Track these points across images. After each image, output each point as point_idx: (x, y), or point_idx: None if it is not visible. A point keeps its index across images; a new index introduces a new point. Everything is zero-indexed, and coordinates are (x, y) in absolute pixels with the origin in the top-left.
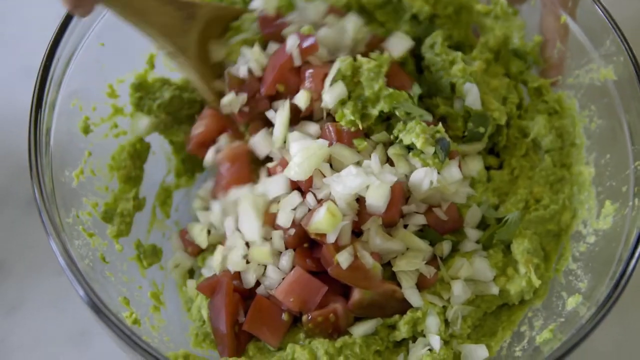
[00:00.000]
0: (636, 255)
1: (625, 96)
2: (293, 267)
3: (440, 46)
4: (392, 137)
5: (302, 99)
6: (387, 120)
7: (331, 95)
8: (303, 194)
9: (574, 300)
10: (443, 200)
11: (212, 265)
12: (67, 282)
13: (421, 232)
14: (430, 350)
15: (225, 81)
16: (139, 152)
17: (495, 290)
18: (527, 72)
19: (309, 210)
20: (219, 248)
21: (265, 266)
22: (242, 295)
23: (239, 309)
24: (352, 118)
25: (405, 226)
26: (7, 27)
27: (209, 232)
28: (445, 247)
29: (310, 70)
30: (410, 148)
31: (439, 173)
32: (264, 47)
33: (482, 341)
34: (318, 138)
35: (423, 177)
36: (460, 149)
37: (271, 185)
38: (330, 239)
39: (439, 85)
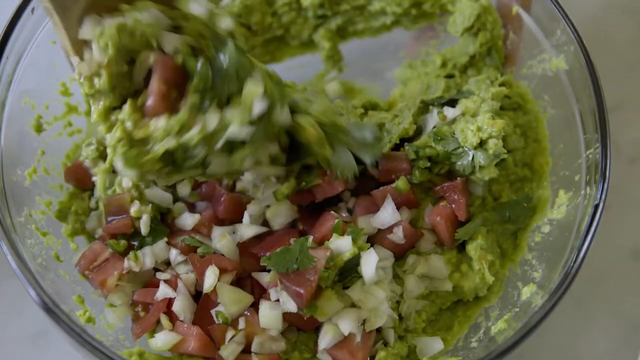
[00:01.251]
0: (586, 243)
1: (577, 85)
2: None
3: None
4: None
5: None
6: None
7: None
8: None
9: (528, 289)
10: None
11: None
12: None
13: None
14: (385, 344)
15: None
16: None
17: (449, 286)
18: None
19: None
20: None
21: None
22: None
23: None
24: None
25: None
26: None
27: None
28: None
29: None
30: None
31: None
32: None
33: (437, 334)
34: None
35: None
36: None
37: None
38: None
39: None
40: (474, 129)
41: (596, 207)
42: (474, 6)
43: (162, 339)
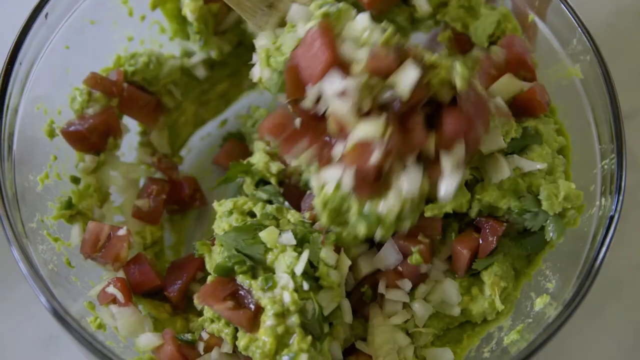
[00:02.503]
0: (601, 254)
1: (592, 95)
2: None
3: None
4: None
5: None
6: None
7: None
8: None
9: (541, 300)
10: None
11: None
12: None
13: None
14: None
15: None
16: None
17: (456, 312)
18: None
19: None
20: None
21: None
22: None
23: None
24: None
25: None
26: None
27: None
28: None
29: None
30: None
31: None
32: None
33: (447, 347)
34: None
35: None
36: None
37: None
38: None
39: None
40: (559, 196)
41: (611, 218)
42: (493, 14)
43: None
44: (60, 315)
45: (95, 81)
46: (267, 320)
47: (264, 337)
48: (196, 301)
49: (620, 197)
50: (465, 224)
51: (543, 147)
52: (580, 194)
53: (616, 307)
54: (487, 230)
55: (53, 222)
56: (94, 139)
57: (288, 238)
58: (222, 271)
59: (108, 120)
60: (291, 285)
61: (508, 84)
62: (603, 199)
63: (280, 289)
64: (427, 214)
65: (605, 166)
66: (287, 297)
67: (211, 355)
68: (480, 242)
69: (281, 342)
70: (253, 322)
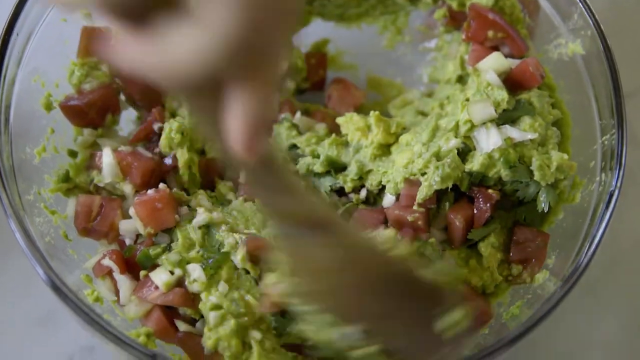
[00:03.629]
0: (600, 230)
1: (593, 71)
2: None
3: None
4: None
5: None
6: None
7: None
8: None
9: (541, 276)
10: None
11: None
12: None
13: None
14: None
15: None
16: None
17: None
18: None
19: None
20: None
21: None
22: None
23: None
24: None
25: None
26: None
27: None
28: None
29: None
30: None
31: None
32: None
33: None
34: None
35: None
36: None
37: None
38: None
39: None
40: (552, 166)
41: (611, 193)
42: None
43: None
44: (58, 287)
45: (88, 34)
46: None
47: None
48: None
49: (621, 173)
50: (460, 195)
51: (536, 119)
52: (573, 165)
53: (615, 283)
54: (480, 199)
55: (50, 195)
56: (92, 114)
57: None
58: None
59: (107, 96)
60: None
61: (495, 64)
62: (603, 175)
63: None
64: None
65: (606, 142)
66: None
67: None
68: (475, 211)
69: None
70: None
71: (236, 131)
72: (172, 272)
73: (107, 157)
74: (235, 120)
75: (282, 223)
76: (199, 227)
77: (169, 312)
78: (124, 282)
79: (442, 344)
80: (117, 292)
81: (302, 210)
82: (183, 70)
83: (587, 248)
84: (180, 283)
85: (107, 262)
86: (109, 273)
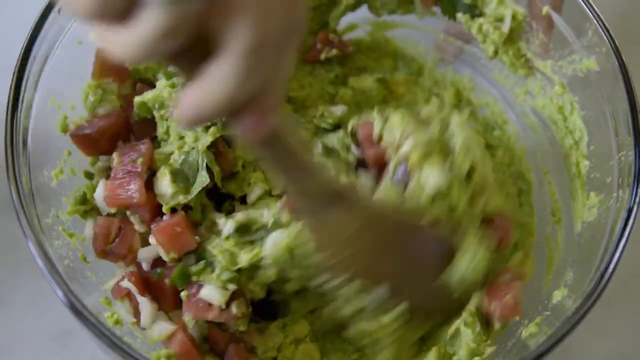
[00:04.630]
0: (620, 247)
1: (608, 87)
2: None
3: None
4: None
5: None
6: None
7: None
8: None
9: (559, 293)
10: None
11: None
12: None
13: None
14: None
15: None
16: None
17: None
18: None
19: None
20: None
21: None
22: None
23: None
24: None
25: None
26: None
27: None
28: None
29: None
30: None
31: None
32: None
33: None
34: None
35: None
36: None
37: None
38: None
39: None
40: None
41: (630, 210)
42: None
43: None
44: (78, 310)
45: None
46: None
47: None
48: None
49: (639, 189)
50: None
51: None
52: None
53: (631, 297)
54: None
55: (68, 217)
56: (103, 142)
57: None
58: None
59: (117, 123)
60: None
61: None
62: (620, 191)
63: None
64: None
65: (623, 158)
66: None
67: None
68: None
69: None
70: None
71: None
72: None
73: (100, 189)
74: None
75: (303, 199)
76: (231, 235)
77: (216, 326)
78: (145, 304)
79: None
80: (136, 314)
81: (319, 184)
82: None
83: (606, 265)
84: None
85: (126, 283)
86: (128, 294)
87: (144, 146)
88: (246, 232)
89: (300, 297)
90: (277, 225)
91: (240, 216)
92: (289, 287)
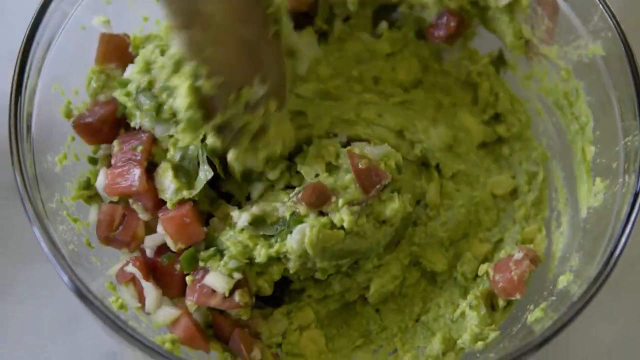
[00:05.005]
0: (626, 232)
1: (614, 72)
2: None
3: None
4: None
5: None
6: None
7: None
8: None
9: (565, 278)
10: None
11: None
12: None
13: None
14: None
15: None
16: None
17: None
18: None
19: None
20: None
21: None
22: None
23: None
24: None
25: None
26: None
27: None
28: None
29: None
30: None
31: None
32: None
33: None
34: None
35: None
36: None
37: None
38: None
39: None
40: None
41: (636, 195)
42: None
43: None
44: (83, 294)
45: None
46: None
47: None
48: None
49: None
50: None
51: None
52: None
53: (637, 282)
54: None
55: (72, 202)
56: (105, 130)
57: None
58: None
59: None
60: None
61: None
62: (626, 176)
63: None
64: None
65: (629, 143)
66: None
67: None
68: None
69: None
70: None
71: None
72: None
73: (100, 178)
74: None
75: None
76: (246, 227)
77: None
78: (150, 289)
79: None
80: (140, 299)
81: None
82: None
83: (612, 250)
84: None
85: (131, 268)
86: (132, 279)
87: (144, 134)
88: (261, 225)
89: (319, 284)
90: (296, 219)
91: (255, 209)
92: (318, 275)
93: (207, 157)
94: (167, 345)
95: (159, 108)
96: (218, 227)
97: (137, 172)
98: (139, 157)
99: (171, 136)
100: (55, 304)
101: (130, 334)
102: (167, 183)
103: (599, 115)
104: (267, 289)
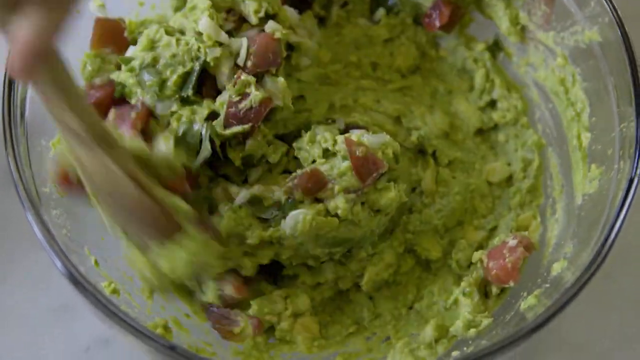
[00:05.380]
0: (620, 218)
1: (611, 57)
2: None
3: None
4: None
5: None
6: None
7: None
8: None
9: (559, 265)
10: None
11: None
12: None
13: None
14: None
15: None
16: None
17: None
18: None
19: None
20: None
21: None
22: None
23: None
24: None
25: None
26: None
27: None
28: None
29: None
30: None
31: None
32: None
33: None
34: None
35: None
36: None
37: None
38: None
39: None
40: None
41: (631, 180)
42: None
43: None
44: (76, 279)
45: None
46: None
47: None
48: None
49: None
50: None
51: None
52: None
53: (632, 270)
54: None
55: None
56: (102, 113)
57: None
58: None
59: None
60: None
61: None
62: (622, 162)
63: None
64: None
65: (624, 129)
66: None
67: None
68: None
69: None
70: None
71: (15, 53)
72: None
73: None
74: (16, 42)
75: (69, 135)
76: (244, 205)
77: None
78: None
79: None
80: None
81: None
82: None
83: (606, 237)
84: None
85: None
86: None
87: (142, 105)
88: (258, 206)
89: (312, 271)
90: (292, 205)
91: (256, 189)
92: (310, 262)
93: (209, 136)
94: (159, 330)
95: (162, 84)
96: (220, 196)
97: (129, 132)
98: (132, 118)
99: (173, 113)
100: (49, 292)
101: (123, 318)
102: (166, 150)
103: (595, 101)
104: (250, 269)
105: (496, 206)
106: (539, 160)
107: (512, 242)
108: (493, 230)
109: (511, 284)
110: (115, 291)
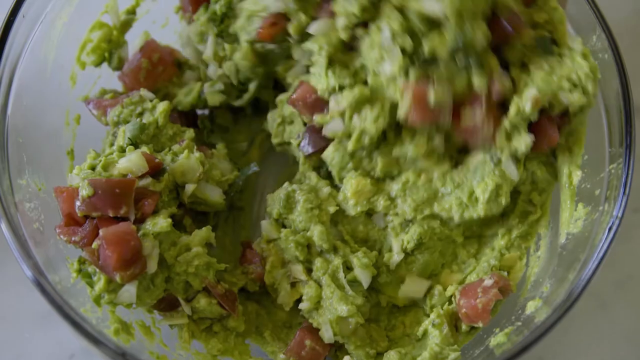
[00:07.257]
0: (594, 258)
1: (608, 95)
2: None
3: None
4: None
5: None
6: None
7: None
8: None
9: (533, 304)
10: None
11: None
12: None
13: None
14: None
15: None
16: None
17: None
18: None
19: None
20: None
21: None
22: None
23: None
24: None
25: None
26: None
27: None
28: None
29: None
30: None
31: None
32: None
33: None
34: None
35: None
36: None
37: None
38: None
39: None
40: None
41: (610, 228)
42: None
43: None
44: (37, 279)
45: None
46: None
47: None
48: None
49: (624, 202)
50: None
51: None
52: None
53: (627, 299)
54: None
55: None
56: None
57: None
58: None
59: None
60: None
61: None
62: (607, 204)
63: None
64: None
65: (613, 170)
66: None
67: None
68: None
69: None
70: None
71: None
72: None
73: None
74: None
75: None
76: None
77: None
78: None
79: None
80: None
81: None
82: None
83: (580, 279)
84: None
85: None
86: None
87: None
88: None
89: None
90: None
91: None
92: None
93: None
94: (115, 327)
95: None
96: None
97: None
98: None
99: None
100: (35, 296)
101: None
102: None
103: (589, 139)
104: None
105: (481, 247)
106: (539, 213)
107: (487, 282)
108: (472, 271)
109: (480, 325)
110: (89, 280)
